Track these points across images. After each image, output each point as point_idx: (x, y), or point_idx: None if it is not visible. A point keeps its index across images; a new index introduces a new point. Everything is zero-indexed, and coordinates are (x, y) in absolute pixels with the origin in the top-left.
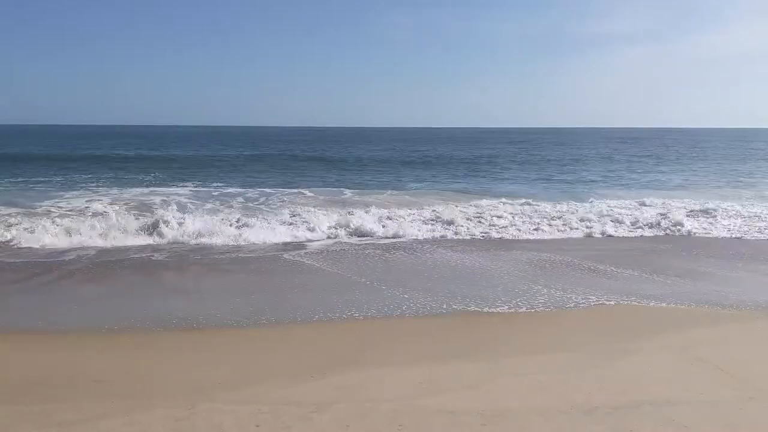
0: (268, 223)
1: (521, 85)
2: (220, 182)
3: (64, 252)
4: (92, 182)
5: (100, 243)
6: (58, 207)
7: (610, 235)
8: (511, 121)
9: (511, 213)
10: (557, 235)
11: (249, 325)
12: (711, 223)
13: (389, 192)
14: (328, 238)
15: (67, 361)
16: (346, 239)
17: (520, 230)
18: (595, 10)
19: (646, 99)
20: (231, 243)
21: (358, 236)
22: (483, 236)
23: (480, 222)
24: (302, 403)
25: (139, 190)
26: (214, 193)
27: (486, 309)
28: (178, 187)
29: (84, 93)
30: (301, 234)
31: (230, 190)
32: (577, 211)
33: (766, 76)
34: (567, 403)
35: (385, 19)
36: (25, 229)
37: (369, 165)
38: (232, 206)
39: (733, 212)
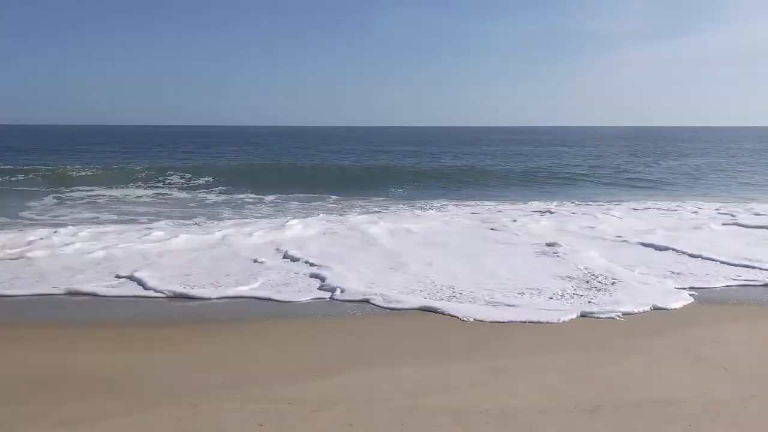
0: None
1: (523, 84)
2: None
3: None
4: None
5: None
6: None
7: None
8: (512, 120)
9: None
10: None
11: (252, 323)
12: None
13: None
14: None
15: (70, 361)
16: None
17: None
18: (598, 9)
19: (646, 98)
20: None
21: None
22: None
23: None
24: (305, 402)
25: None
26: None
27: None
28: None
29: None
30: None
31: None
32: None
33: None
34: (570, 402)
35: (387, 19)
36: None
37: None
38: None
39: None
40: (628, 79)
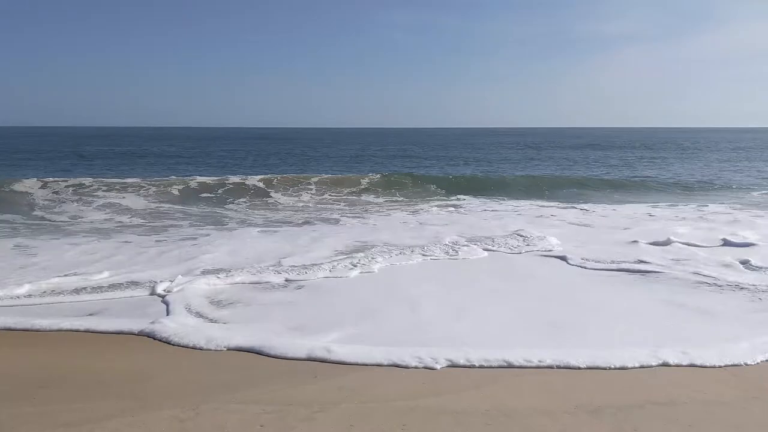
0: None
1: (526, 84)
2: None
3: None
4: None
5: None
6: None
7: None
8: (513, 121)
9: None
10: None
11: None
12: None
13: None
14: None
15: (72, 362)
16: None
17: None
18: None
19: (646, 98)
20: None
21: None
22: None
23: None
24: (306, 403)
25: None
26: None
27: None
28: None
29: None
30: None
31: None
32: None
33: None
34: (571, 403)
35: (389, 20)
36: None
37: None
38: None
39: None
40: (638, 79)
